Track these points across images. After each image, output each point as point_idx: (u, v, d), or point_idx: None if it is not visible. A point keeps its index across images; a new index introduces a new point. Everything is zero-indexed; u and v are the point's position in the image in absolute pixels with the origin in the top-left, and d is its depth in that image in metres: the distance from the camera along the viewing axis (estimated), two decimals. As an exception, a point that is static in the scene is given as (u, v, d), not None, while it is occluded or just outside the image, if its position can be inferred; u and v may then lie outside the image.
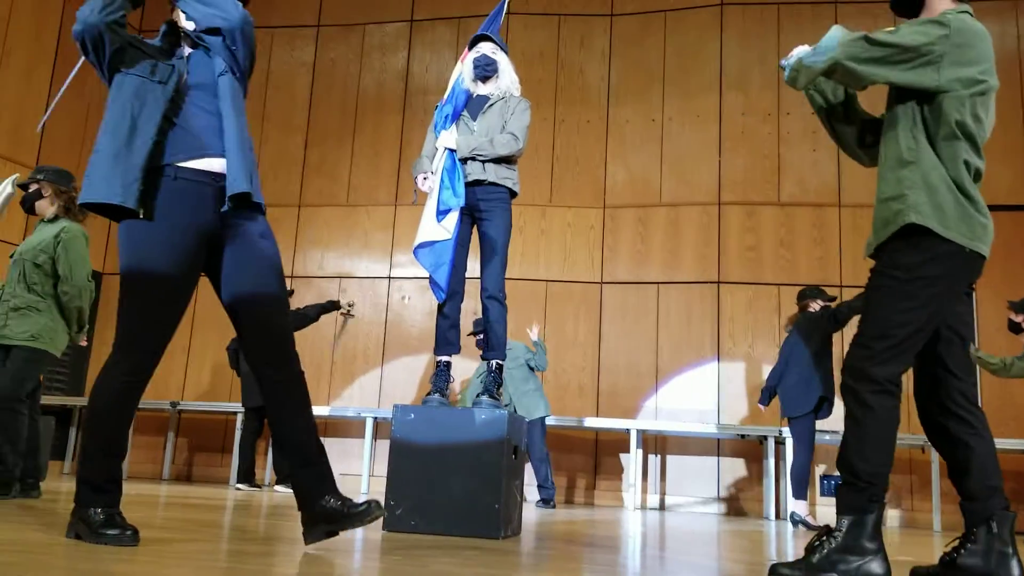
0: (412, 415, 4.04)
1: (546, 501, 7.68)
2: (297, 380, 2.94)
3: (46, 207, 5.16)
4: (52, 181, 5.14)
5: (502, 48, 4.68)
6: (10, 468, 4.81)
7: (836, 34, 2.72)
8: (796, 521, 6.62)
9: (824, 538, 2.69)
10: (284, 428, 2.90)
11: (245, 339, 2.95)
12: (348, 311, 9.57)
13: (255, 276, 2.92)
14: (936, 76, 2.70)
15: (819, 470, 8.34)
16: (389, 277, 9.85)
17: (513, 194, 4.48)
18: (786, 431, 7.76)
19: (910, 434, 8.00)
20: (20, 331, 4.92)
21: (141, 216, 2.82)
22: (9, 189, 4.95)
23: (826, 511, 7.96)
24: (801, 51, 2.83)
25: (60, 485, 6.71)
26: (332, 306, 9.00)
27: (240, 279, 2.92)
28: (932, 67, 2.69)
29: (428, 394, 4.26)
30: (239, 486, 7.93)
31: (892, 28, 2.73)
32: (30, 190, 5.15)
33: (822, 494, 8.26)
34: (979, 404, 2.87)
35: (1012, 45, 8.98)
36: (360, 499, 2.84)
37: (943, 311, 2.76)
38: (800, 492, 6.71)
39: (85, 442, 2.80)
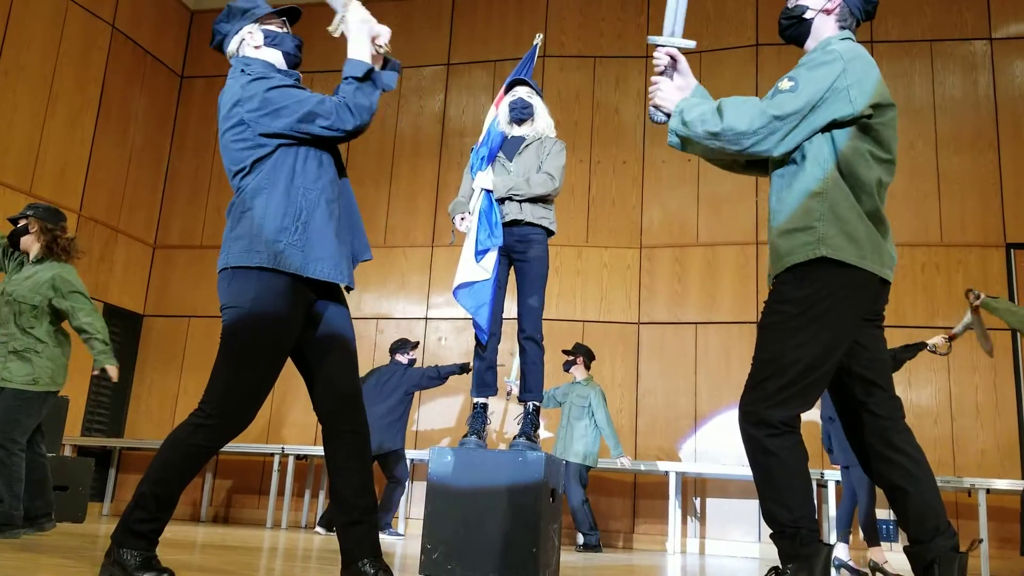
0: (449, 457, 4.01)
1: (588, 546, 7.57)
2: (363, 434, 2.96)
3: (31, 244, 5.21)
4: (40, 218, 5.17)
5: (537, 92, 4.71)
6: (7, 509, 4.84)
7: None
8: (873, 568, 6.41)
9: None
10: (339, 481, 2.91)
11: (316, 393, 2.98)
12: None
13: (334, 338, 2.98)
14: (850, 106, 2.66)
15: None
16: (426, 318, 9.87)
17: (550, 233, 4.48)
18: (827, 474, 7.62)
19: (955, 476, 7.84)
20: (21, 374, 4.98)
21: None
22: None
23: (862, 554, 7.76)
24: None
25: (99, 527, 6.74)
26: (462, 369, 8.25)
27: (327, 340, 2.98)
28: (844, 101, 2.67)
29: (465, 436, 4.22)
30: (319, 530, 7.92)
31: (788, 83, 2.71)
32: (19, 225, 5.20)
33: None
34: (914, 443, 2.74)
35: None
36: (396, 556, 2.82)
37: (841, 344, 2.67)
38: (872, 539, 6.50)
39: (144, 489, 2.77)
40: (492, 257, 4.27)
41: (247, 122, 2.90)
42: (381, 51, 3.04)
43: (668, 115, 2.87)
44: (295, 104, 2.89)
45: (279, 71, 3.06)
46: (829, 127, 2.70)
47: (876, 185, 2.70)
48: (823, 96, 2.65)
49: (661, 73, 2.94)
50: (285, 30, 3.17)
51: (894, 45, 9.27)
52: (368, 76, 2.95)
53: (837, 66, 2.67)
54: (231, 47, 3.14)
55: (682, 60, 2.94)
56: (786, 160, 2.79)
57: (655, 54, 2.95)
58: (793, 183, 2.75)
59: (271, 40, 3.11)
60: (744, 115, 2.68)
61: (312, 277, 2.84)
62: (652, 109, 2.93)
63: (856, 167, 2.67)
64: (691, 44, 2.94)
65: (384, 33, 3.04)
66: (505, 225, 4.34)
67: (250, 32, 3.11)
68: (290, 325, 2.85)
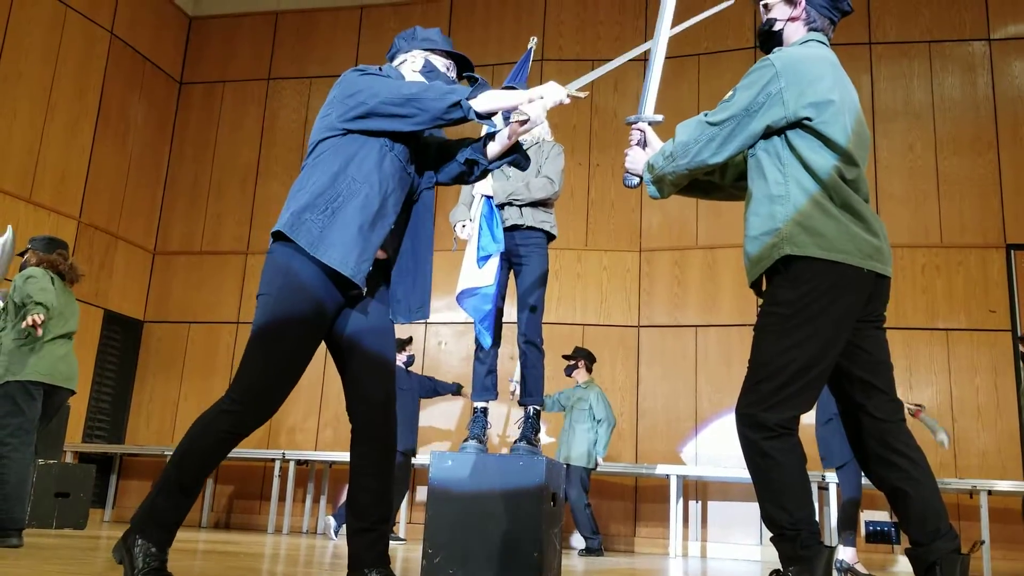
0: (450, 462, 4.00)
1: (589, 550, 7.57)
2: (389, 443, 2.94)
3: None
4: (38, 250, 5.38)
5: (531, 96, 4.69)
6: None
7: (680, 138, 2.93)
8: (843, 569, 6.43)
9: None
10: (357, 487, 2.91)
11: (348, 394, 2.96)
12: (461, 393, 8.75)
13: (373, 338, 2.97)
14: (783, 109, 2.73)
15: (863, 515, 8.15)
16: (425, 323, 9.86)
17: (551, 237, 4.48)
18: (829, 476, 7.61)
19: (956, 478, 7.83)
20: None
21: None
22: (8, 242, 5.35)
23: (868, 556, 7.77)
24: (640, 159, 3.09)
25: (100, 533, 6.74)
26: (454, 392, 8.38)
27: (359, 341, 2.95)
28: (778, 104, 2.73)
29: (465, 440, 4.22)
30: (329, 519, 7.90)
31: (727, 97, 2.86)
32: (24, 258, 5.41)
33: (867, 541, 8.07)
34: (913, 445, 2.73)
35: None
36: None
37: (836, 343, 2.67)
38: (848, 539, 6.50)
39: (169, 474, 2.73)
40: (494, 263, 4.27)
41: (331, 102, 2.97)
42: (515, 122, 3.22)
43: (639, 176, 3.14)
44: (374, 83, 2.92)
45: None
46: (780, 131, 2.77)
47: (839, 177, 2.71)
48: (759, 101, 2.75)
49: (635, 144, 3.22)
50: (450, 73, 3.22)
51: (892, 46, 9.28)
52: (458, 105, 2.98)
53: (768, 72, 2.76)
54: (395, 63, 3.22)
55: (650, 132, 3.25)
56: (751, 173, 2.88)
57: (631, 131, 3.26)
58: (758, 191, 2.83)
59: (427, 70, 3.16)
60: (688, 128, 2.92)
61: (318, 259, 2.80)
62: (625, 175, 3.22)
63: (815, 164, 2.71)
64: (660, 119, 3.27)
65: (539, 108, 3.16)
66: (506, 230, 4.34)
67: (415, 56, 3.19)
68: (315, 318, 2.82)
